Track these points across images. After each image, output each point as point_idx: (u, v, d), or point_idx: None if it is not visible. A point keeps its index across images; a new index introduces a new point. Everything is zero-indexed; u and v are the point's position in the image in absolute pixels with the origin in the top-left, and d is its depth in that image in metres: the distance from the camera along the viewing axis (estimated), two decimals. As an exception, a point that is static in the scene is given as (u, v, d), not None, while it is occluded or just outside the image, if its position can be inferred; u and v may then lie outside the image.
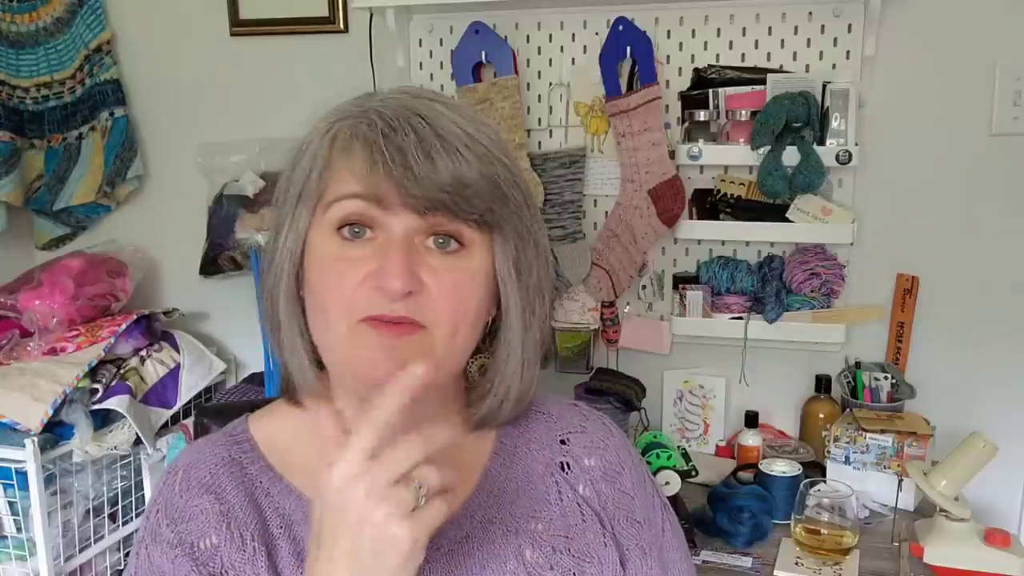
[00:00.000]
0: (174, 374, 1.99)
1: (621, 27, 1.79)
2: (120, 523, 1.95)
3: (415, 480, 0.60)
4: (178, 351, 2.05)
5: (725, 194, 1.83)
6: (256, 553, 0.73)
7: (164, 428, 1.97)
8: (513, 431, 0.83)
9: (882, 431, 1.61)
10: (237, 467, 0.78)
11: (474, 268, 0.72)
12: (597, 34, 1.86)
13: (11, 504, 1.76)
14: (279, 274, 0.75)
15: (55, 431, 1.76)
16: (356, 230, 0.70)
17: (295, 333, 0.75)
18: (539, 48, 1.92)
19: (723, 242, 1.89)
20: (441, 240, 0.71)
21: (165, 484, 0.78)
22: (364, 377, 0.71)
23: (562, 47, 1.91)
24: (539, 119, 1.95)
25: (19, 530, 1.77)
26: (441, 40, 1.97)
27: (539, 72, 1.93)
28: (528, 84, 1.94)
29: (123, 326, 1.95)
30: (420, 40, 1.98)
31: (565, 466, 0.82)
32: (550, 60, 1.92)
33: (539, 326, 0.78)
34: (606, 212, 1.93)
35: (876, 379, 1.75)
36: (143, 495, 1.97)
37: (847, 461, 1.63)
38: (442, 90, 1.97)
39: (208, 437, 0.83)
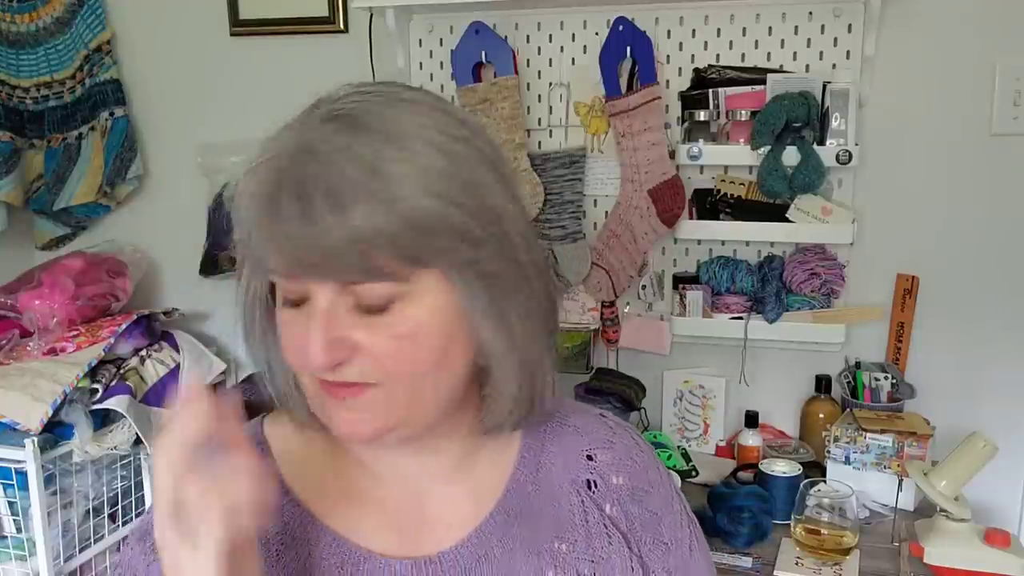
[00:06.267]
0: (174, 374, 1.99)
1: (621, 27, 1.80)
2: (120, 523, 1.95)
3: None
4: (178, 351, 2.04)
5: (725, 194, 1.83)
6: None
7: (164, 428, 1.97)
8: (536, 444, 0.79)
9: (882, 431, 1.61)
10: None
11: (417, 317, 0.63)
12: (597, 34, 1.86)
13: (11, 504, 1.76)
14: (251, 314, 0.72)
15: (55, 431, 1.76)
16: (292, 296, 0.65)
17: (280, 368, 0.72)
18: (539, 48, 1.92)
19: (723, 242, 1.89)
20: (365, 305, 0.63)
21: None
22: (334, 433, 0.69)
23: (562, 47, 1.91)
24: (539, 119, 1.95)
25: (19, 530, 1.77)
26: (441, 40, 1.97)
27: (539, 72, 1.93)
28: (528, 84, 1.94)
29: (123, 326, 1.95)
30: (420, 40, 1.98)
31: (592, 484, 0.78)
32: (550, 60, 1.92)
33: (542, 342, 0.70)
34: (606, 212, 1.93)
35: (876, 379, 1.75)
36: (143, 495, 1.97)
37: (847, 461, 1.63)
38: (442, 91, 1.98)
39: None
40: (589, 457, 0.79)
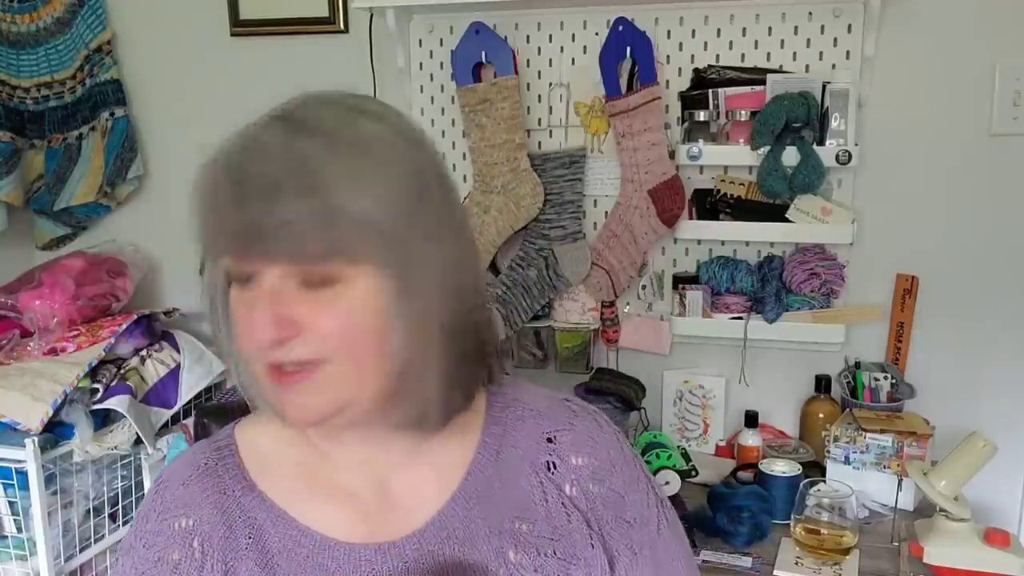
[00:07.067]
0: (174, 374, 1.99)
1: (621, 27, 1.80)
2: (120, 523, 1.95)
3: None
4: (178, 351, 2.04)
5: (725, 194, 1.83)
6: (213, 570, 0.75)
7: (164, 428, 1.97)
8: (498, 430, 0.81)
9: (882, 431, 1.61)
10: (211, 476, 0.79)
11: (355, 297, 0.66)
12: (597, 34, 1.86)
13: (11, 504, 1.76)
14: (215, 306, 0.74)
15: (55, 431, 1.76)
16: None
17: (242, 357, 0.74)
18: (539, 48, 1.92)
19: (723, 242, 1.89)
20: (309, 281, 0.67)
21: (148, 497, 0.81)
22: (284, 421, 0.72)
23: (562, 47, 1.91)
24: (539, 119, 1.95)
25: (19, 530, 1.77)
26: (441, 40, 1.97)
27: (539, 72, 1.93)
28: (528, 84, 1.94)
29: (123, 326, 1.95)
30: (420, 40, 1.98)
31: (551, 465, 0.80)
32: (550, 60, 1.92)
33: (456, 350, 0.71)
34: (606, 212, 1.93)
35: (876, 379, 1.75)
36: (143, 495, 1.97)
37: (847, 461, 1.63)
38: (442, 91, 1.98)
39: (196, 444, 0.85)
40: (549, 440, 0.81)
